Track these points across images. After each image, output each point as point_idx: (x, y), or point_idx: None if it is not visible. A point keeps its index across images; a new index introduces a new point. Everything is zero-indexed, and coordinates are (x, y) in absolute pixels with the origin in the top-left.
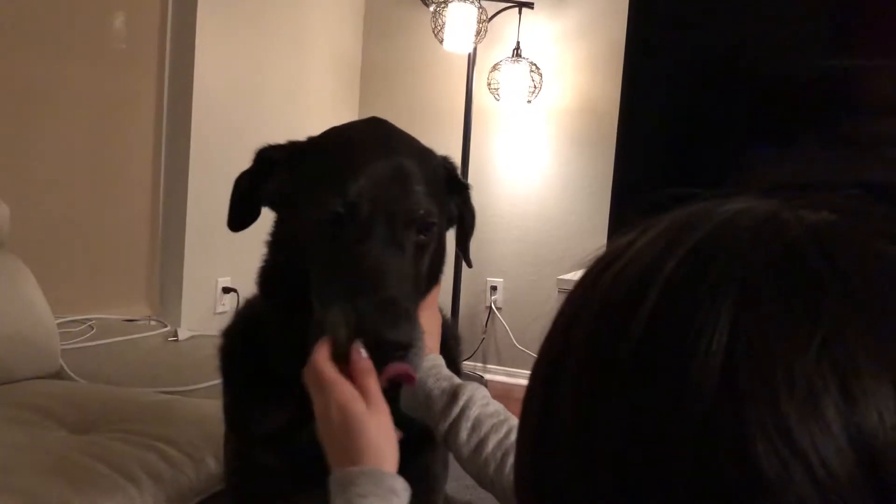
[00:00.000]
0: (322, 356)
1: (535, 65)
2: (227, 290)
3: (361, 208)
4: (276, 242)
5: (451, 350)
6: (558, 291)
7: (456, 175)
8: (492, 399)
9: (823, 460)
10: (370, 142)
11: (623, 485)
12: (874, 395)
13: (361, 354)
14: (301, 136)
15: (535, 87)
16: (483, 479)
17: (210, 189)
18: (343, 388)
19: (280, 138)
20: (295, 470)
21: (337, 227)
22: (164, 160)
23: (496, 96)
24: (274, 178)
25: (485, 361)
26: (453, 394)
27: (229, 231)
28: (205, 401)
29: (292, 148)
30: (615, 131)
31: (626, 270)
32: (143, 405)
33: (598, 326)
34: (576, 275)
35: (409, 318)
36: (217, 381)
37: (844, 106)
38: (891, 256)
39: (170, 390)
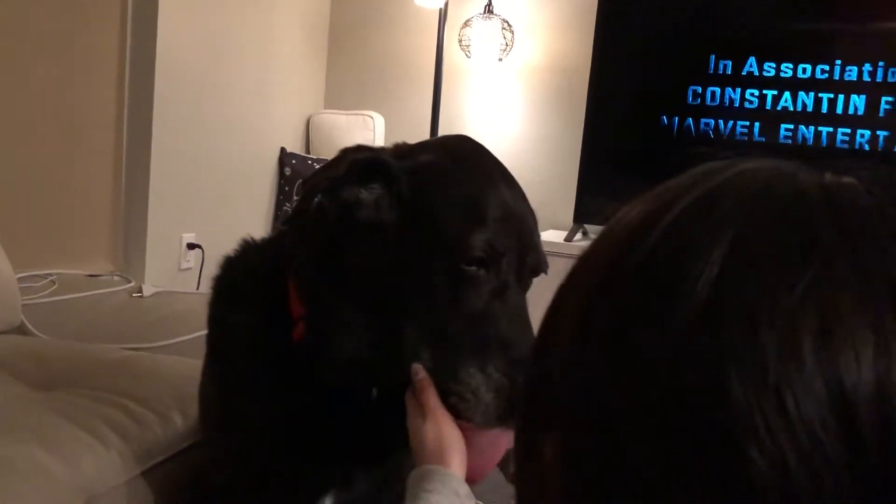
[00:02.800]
0: (431, 391)
1: (507, 22)
2: (191, 247)
3: (503, 254)
4: (348, 258)
5: None
6: None
7: None
8: None
9: (795, 395)
10: (493, 176)
11: (606, 402)
12: (853, 338)
13: (420, 372)
14: (266, 96)
15: (506, 44)
16: None
17: (175, 143)
18: (446, 419)
19: (246, 95)
20: (285, 422)
21: (473, 270)
22: (127, 114)
23: (467, 53)
24: (368, 189)
25: None
26: None
27: (194, 186)
28: (171, 357)
29: (402, 163)
30: (586, 91)
31: (640, 214)
32: (108, 362)
33: (607, 256)
34: (546, 233)
35: None
36: (183, 337)
37: (809, 68)
38: (893, 220)
39: (135, 347)
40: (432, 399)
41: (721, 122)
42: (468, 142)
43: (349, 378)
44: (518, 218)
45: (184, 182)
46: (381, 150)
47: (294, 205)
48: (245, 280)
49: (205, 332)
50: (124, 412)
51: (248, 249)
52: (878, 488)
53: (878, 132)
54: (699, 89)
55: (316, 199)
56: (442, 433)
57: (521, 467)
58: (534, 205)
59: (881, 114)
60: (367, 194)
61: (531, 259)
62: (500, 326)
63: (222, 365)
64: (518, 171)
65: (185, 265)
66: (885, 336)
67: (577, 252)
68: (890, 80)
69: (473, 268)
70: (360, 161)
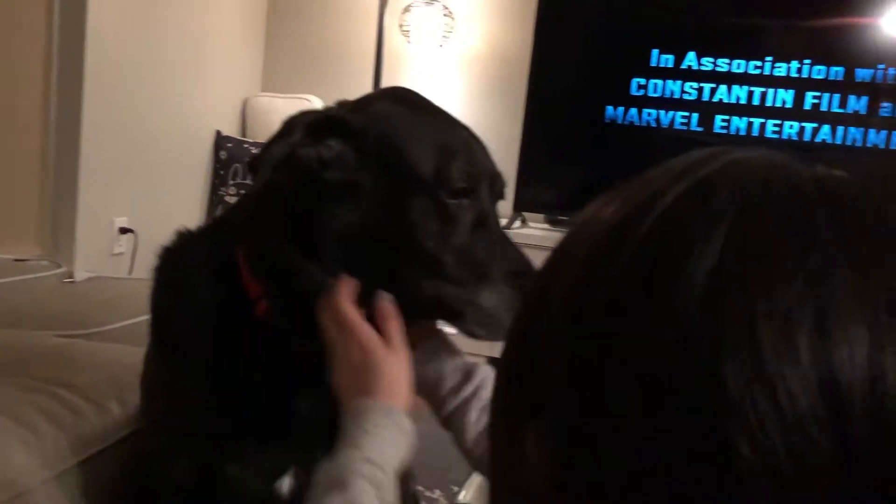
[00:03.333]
0: (344, 298)
1: (447, 8)
2: (124, 231)
3: (480, 182)
4: (321, 219)
5: None
6: None
7: None
8: None
9: (788, 389)
10: (446, 115)
11: (597, 392)
12: (848, 333)
13: (386, 300)
14: (203, 73)
15: (447, 31)
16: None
17: (107, 123)
18: (364, 329)
19: (180, 75)
20: (241, 404)
21: (457, 203)
22: (56, 92)
23: (408, 39)
24: (326, 148)
25: None
26: (467, 373)
27: (127, 168)
28: (107, 344)
29: (358, 116)
30: (526, 78)
31: (629, 199)
32: (40, 349)
33: (595, 244)
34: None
35: None
36: (119, 324)
37: (741, 59)
38: (890, 215)
39: (69, 334)
40: (396, 330)
41: (661, 112)
42: (410, 91)
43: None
44: (480, 149)
45: (116, 164)
46: (331, 108)
47: (252, 181)
48: (188, 267)
49: (141, 318)
50: (58, 401)
51: (186, 238)
52: (868, 485)
53: (805, 124)
54: (643, 81)
55: (271, 169)
56: (402, 368)
57: (499, 453)
58: None
59: (807, 107)
60: (329, 153)
61: (498, 185)
62: (493, 248)
63: (173, 354)
64: None
65: (117, 250)
66: (879, 334)
67: (517, 240)
68: (815, 76)
69: (457, 200)
70: (315, 122)
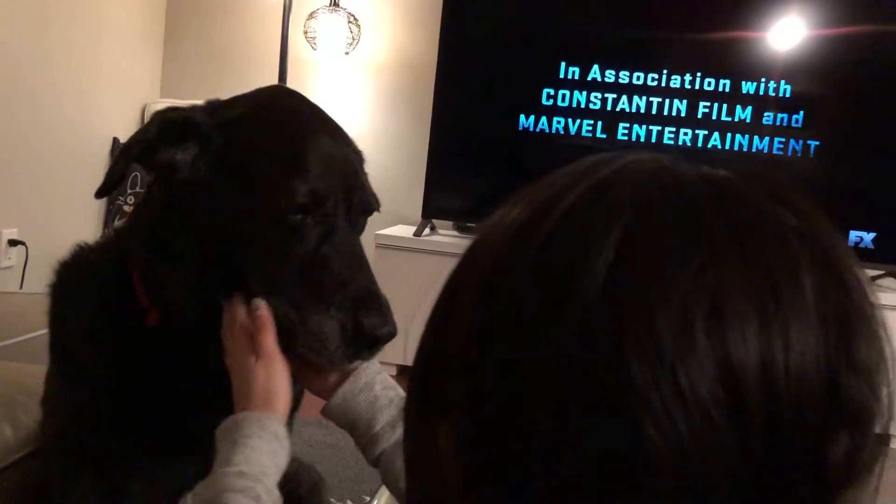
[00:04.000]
0: (240, 313)
1: (353, 16)
2: (13, 243)
3: (327, 197)
4: (178, 224)
5: None
6: (376, 246)
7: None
8: None
9: (688, 374)
10: (310, 122)
11: (509, 391)
12: (740, 319)
13: (261, 309)
14: (99, 74)
15: (353, 38)
16: None
17: None
18: (238, 342)
19: (78, 78)
20: (141, 414)
21: (299, 218)
22: None
23: (313, 45)
24: (182, 150)
25: None
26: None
27: (15, 176)
28: None
29: (213, 119)
30: (433, 86)
31: (533, 201)
32: None
33: (501, 244)
34: (395, 228)
35: (389, 310)
36: (10, 341)
37: (636, 72)
38: (771, 211)
39: None
40: (269, 339)
41: (570, 121)
42: (282, 91)
43: (203, 349)
44: (340, 159)
45: (4, 172)
46: (193, 108)
47: (106, 172)
48: (83, 280)
49: (34, 334)
50: None
51: (83, 252)
52: (765, 462)
53: (697, 131)
54: (550, 90)
55: (123, 161)
56: (274, 376)
57: (413, 454)
58: (382, 201)
59: (699, 116)
60: (182, 155)
61: (357, 198)
62: (335, 268)
63: (72, 371)
64: (366, 167)
65: (5, 263)
66: (767, 321)
67: (426, 247)
68: (706, 88)
69: (299, 216)
70: (169, 120)
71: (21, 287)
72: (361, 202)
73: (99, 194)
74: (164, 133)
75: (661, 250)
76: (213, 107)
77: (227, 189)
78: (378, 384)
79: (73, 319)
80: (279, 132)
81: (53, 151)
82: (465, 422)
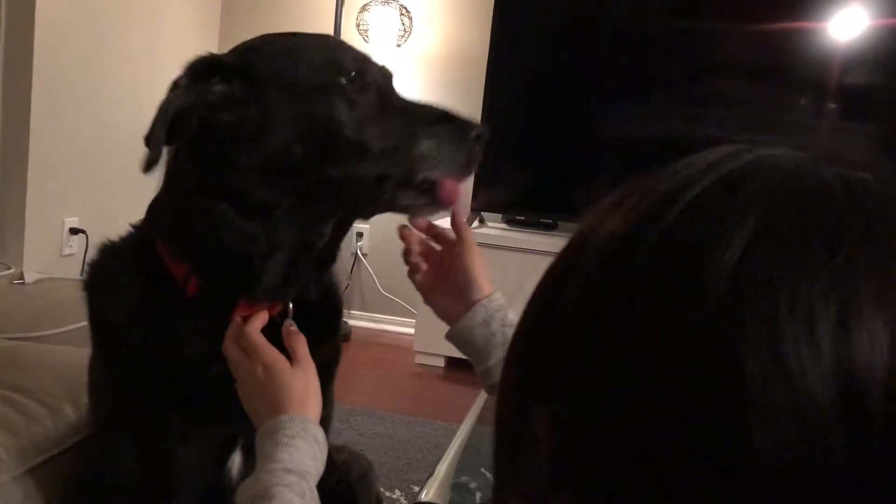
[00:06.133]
0: (253, 325)
1: (405, 8)
2: (74, 231)
3: (368, 68)
4: (236, 163)
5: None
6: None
7: None
8: None
9: (807, 383)
10: (313, 33)
11: (614, 380)
12: (869, 332)
13: (288, 322)
14: (156, 67)
15: (405, 31)
16: None
17: (56, 122)
18: (269, 349)
19: (135, 70)
20: (182, 391)
21: (363, 90)
22: (2, 90)
23: (365, 38)
24: (215, 94)
25: (349, 307)
26: None
27: (77, 166)
28: (60, 347)
29: (244, 56)
30: (483, 79)
31: (651, 193)
32: None
33: (616, 234)
34: (441, 222)
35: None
36: (71, 326)
37: (692, 65)
38: None
39: (19, 336)
40: (303, 347)
41: (622, 114)
42: (279, 34)
43: (289, 276)
44: (345, 44)
45: (66, 163)
46: (200, 56)
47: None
48: (114, 268)
49: None
50: (10, 405)
51: (109, 247)
52: (882, 480)
53: (755, 126)
54: (603, 83)
55: (162, 124)
56: (308, 381)
57: (504, 438)
58: None
59: (757, 109)
60: (215, 96)
61: (373, 65)
62: (408, 108)
63: (111, 351)
64: None
65: (67, 251)
66: None
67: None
68: (763, 84)
69: (356, 83)
70: (192, 66)
71: (82, 274)
72: (374, 65)
73: (148, 166)
74: (198, 78)
75: (792, 255)
76: (232, 51)
77: (282, 99)
78: (496, 321)
79: (109, 303)
80: (294, 39)
81: (112, 144)
82: (567, 409)
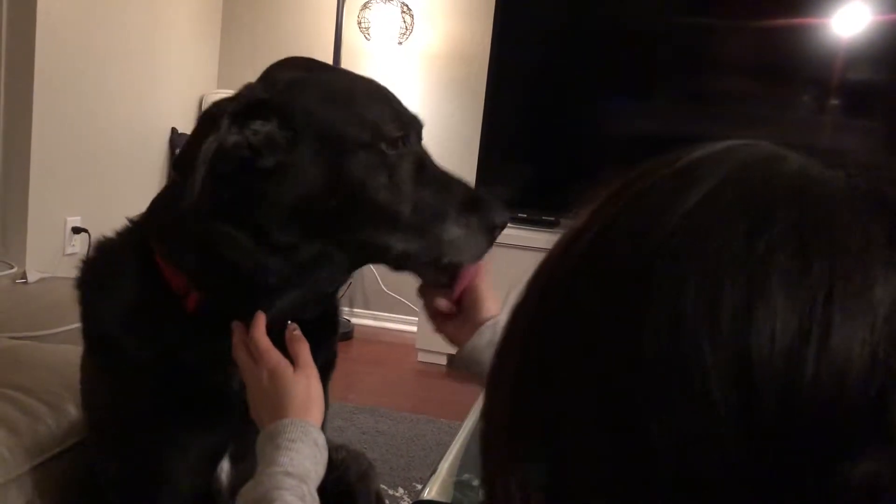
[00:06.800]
0: (259, 330)
1: (406, 6)
2: (76, 231)
3: (411, 125)
4: (267, 200)
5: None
6: None
7: None
8: None
9: (703, 370)
10: (348, 72)
11: (547, 381)
12: (774, 321)
13: (292, 326)
14: (158, 66)
15: (406, 28)
16: None
17: (58, 121)
18: (274, 354)
19: (137, 71)
20: (174, 396)
21: (396, 155)
22: (4, 88)
23: (367, 36)
24: (259, 135)
25: (351, 305)
26: None
27: (79, 166)
28: (62, 346)
29: (273, 99)
30: (485, 77)
31: (645, 197)
32: None
33: (566, 234)
34: None
35: (496, 199)
36: (74, 325)
37: (694, 62)
38: (860, 227)
39: (22, 335)
40: (305, 352)
41: (623, 113)
42: (303, 57)
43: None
44: (391, 96)
45: (68, 162)
46: (244, 92)
47: (171, 178)
48: (109, 270)
49: None
50: (12, 404)
51: (105, 245)
52: (773, 464)
53: (755, 124)
54: (604, 82)
55: (205, 166)
56: (311, 386)
57: (495, 479)
58: None
59: (758, 107)
60: (257, 138)
61: (416, 125)
62: (443, 187)
63: (103, 354)
64: None
65: (69, 250)
66: (809, 325)
67: None
68: (768, 81)
69: (396, 150)
70: (237, 110)
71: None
72: (419, 127)
73: (193, 208)
74: (234, 122)
75: (713, 236)
76: (262, 87)
77: (321, 150)
78: None
79: (104, 307)
80: (342, 85)
81: (114, 142)
82: (509, 405)
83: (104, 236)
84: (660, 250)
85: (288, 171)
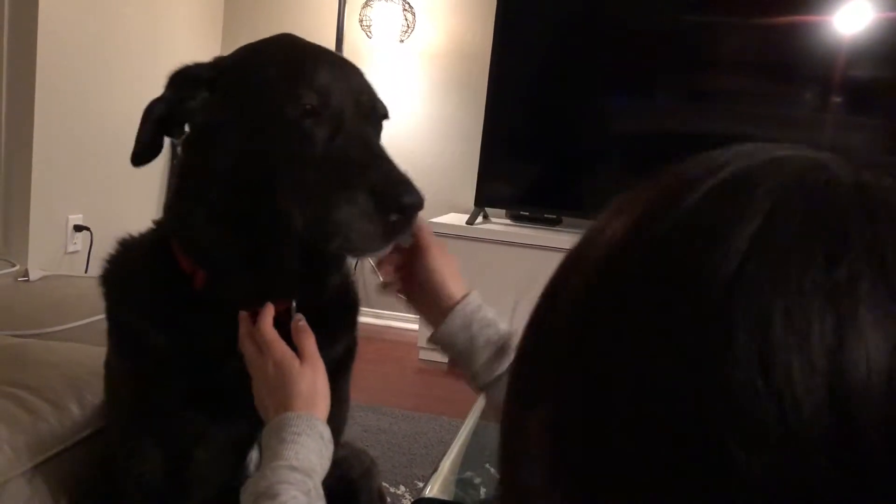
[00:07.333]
0: (266, 321)
1: (408, 3)
2: (78, 229)
3: (333, 98)
4: (210, 169)
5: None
6: None
7: None
8: None
9: (797, 401)
10: (312, 47)
11: (603, 385)
12: (867, 350)
13: (298, 316)
14: (159, 65)
15: (408, 26)
16: None
17: (60, 119)
18: (280, 345)
19: (138, 68)
20: (202, 404)
21: (310, 122)
22: (6, 87)
23: (368, 34)
24: (196, 100)
25: None
26: (501, 348)
27: (81, 164)
28: (64, 344)
29: (221, 64)
30: (487, 75)
31: (662, 189)
32: None
33: (617, 235)
34: (448, 216)
35: (412, 183)
36: (76, 323)
37: (696, 60)
38: None
39: (23, 333)
40: (311, 344)
41: (626, 110)
42: (285, 35)
43: (249, 302)
44: (342, 67)
45: (69, 161)
46: (199, 63)
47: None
48: (132, 265)
49: (97, 317)
50: (15, 402)
51: (126, 243)
52: (873, 497)
53: (756, 122)
54: (606, 80)
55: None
56: (316, 379)
57: (506, 442)
58: (435, 188)
59: (760, 105)
60: (195, 102)
61: (366, 99)
62: (350, 161)
63: (128, 346)
64: (419, 155)
65: (71, 248)
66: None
67: (479, 235)
68: (771, 81)
69: (310, 119)
70: (179, 74)
71: (86, 271)
72: (370, 102)
73: (134, 160)
74: (176, 86)
75: (790, 264)
76: (218, 58)
77: (242, 115)
78: (476, 323)
79: (128, 299)
80: (279, 56)
81: (115, 141)
82: (555, 411)
83: (129, 234)
84: (737, 280)
85: (216, 136)
